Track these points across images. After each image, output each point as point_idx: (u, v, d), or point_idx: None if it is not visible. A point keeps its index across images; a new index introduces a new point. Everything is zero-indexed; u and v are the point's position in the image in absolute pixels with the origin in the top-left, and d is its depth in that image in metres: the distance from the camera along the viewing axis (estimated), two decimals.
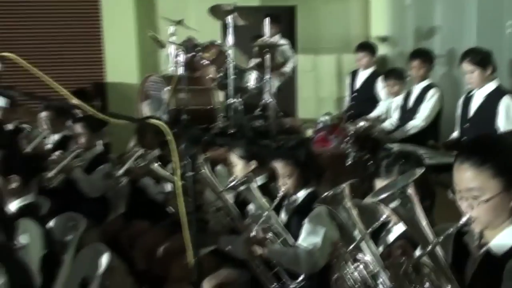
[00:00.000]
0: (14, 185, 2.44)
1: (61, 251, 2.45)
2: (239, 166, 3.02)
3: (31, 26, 7.71)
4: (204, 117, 5.54)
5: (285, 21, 7.87)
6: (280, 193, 2.61)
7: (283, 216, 2.72)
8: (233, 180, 2.81)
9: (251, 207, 2.96)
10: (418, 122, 4.72)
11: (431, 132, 4.58)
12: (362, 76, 6.13)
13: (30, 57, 7.00)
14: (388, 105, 5.68)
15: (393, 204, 1.74)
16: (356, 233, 2.12)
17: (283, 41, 6.82)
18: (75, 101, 1.72)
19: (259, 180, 2.98)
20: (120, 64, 7.85)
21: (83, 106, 1.72)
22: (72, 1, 7.79)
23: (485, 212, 1.64)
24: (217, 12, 5.66)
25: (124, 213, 4.05)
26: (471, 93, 4.21)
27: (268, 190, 2.89)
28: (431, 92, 4.74)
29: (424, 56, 4.96)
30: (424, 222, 1.71)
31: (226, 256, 3.00)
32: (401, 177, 1.87)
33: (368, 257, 2.06)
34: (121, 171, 3.82)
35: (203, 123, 5.44)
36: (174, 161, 1.88)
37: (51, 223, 2.62)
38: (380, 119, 5.43)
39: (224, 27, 7.65)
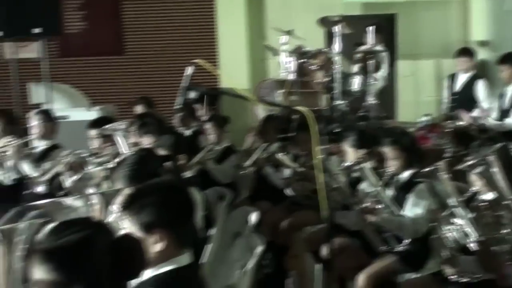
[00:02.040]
0: (182, 161, 3.23)
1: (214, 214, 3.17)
2: (350, 154, 3.62)
3: (156, 38, 8.72)
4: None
5: (386, 29, 8.34)
6: (389, 173, 3.20)
7: (391, 192, 3.30)
8: (348, 164, 3.43)
9: (361, 187, 3.56)
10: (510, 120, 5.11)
11: None
12: (462, 79, 6.49)
13: (154, 64, 8.08)
14: (487, 107, 6.07)
15: (477, 170, 2.30)
16: (451, 201, 2.67)
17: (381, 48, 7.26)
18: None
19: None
20: (233, 70, 8.67)
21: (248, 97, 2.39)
22: (189, 12, 8.74)
23: None
24: (325, 22, 6.27)
25: (249, 196, 4.76)
26: None
27: (376, 172, 3.48)
28: None
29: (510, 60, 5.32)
30: (503, 183, 2.25)
31: (339, 228, 3.62)
32: (484, 149, 2.42)
33: (460, 221, 2.61)
34: (249, 162, 4.51)
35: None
36: (313, 147, 2.47)
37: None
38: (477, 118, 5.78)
39: (329, 35, 8.29)
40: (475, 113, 6.15)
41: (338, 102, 6.13)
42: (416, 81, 8.87)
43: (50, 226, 1.69)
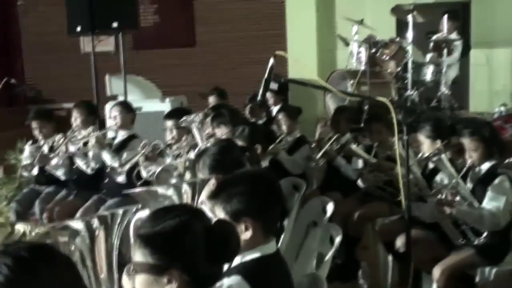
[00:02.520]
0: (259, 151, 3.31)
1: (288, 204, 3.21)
2: (426, 144, 3.58)
3: (227, 30, 8.85)
4: (383, 108, 6.11)
5: (460, 16, 8.11)
6: (468, 165, 3.15)
7: (469, 184, 3.24)
8: (422, 155, 3.39)
9: (437, 178, 3.52)
10: None
11: None
12: None
13: (226, 56, 8.16)
14: None
15: None
16: None
17: (455, 37, 7.10)
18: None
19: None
20: (302, 61, 8.69)
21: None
22: (259, 3, 8.81)
23: None
24: (398, 11, 6.18)
25: (319, 187, 4.79)
26: None
27: (454, 164, 3.43)
28: None
29: None
30: None
31: (414, 220, 3.59)
32: None
33: None
34: (320, 154, 4.53)
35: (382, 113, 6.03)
36: (395, 138, 2.47)
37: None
38: None
39: (399, 24, 8.15)
40: None
41: (409, 92, 6.04)
42: (491, 70, 8.60)
43: (148, 212, 1.80)
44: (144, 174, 4.27)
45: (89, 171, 4.80)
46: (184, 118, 4.32)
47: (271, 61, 2.70)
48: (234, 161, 2.41)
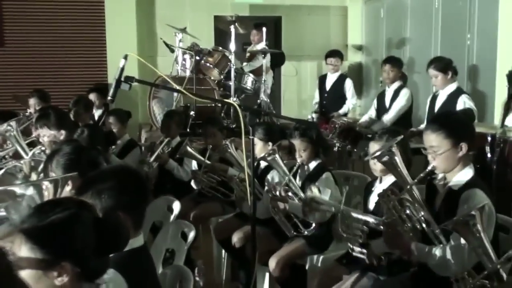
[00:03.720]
0: None
1: None
2: (258, 146, 3.86)
3: (40, 30, 8.41)
4: (208, 114, 6.36)
5: (272, 30, 8.75)
6: (298, 163, 3.47)
7: (298, 181, 3.58)
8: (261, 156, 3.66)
9: (268, 177, 3.82)
10: (389, 116, 5.67)
11: (404, 124, 5.46)
12: (331, 79, 7.00)
13: (43, 60, 7.80)
14: (353, 103, 6.71)
15: (384, 159, 2.63)
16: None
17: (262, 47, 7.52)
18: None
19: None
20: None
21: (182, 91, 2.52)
22: (79, 8, 8.53)
23: (441, 162, 2.55)
24: (221, 21, 6.48)
25: (153, 190, 4.84)
26: (437, 93, 5.17)
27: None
28: (402, 91, 5.70)
29: (394, 61, 5.90)
30: (404, 171, 2.61)
31: (248, 216, 3.85)
32: (388, 141, 2.77)
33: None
34: (153, 157, 4.58)
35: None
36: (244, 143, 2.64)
37: None
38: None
39: (217, 33, 8.53)
40: (343, 109, 6.73)
41: (233, 99, 6.37)
42: (299, 80, 9.40)
43: (4, 213, 1.74)
44: None
45: None
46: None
47: (122, 61, 2.72)
48: (89, 161, 2.39)
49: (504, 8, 5.44)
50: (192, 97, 3.71)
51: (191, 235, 2.66)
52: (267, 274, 3.66)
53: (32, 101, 5.35)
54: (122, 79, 2.69)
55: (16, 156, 3.89)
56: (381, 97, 5.98)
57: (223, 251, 4.18)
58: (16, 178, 2.56)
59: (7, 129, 3.80)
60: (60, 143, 2.82)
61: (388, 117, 5.72)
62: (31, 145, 3.91)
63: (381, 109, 5.91)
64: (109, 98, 2.63)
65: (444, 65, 5.00)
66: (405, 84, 5.96)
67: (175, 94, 6.28)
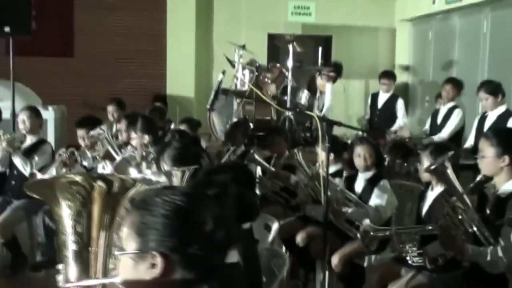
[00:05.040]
0: None
1: None
2: (321, 156, 4.26)
3: (107, 42, 9.04)
4: (264, 126, 6.81)
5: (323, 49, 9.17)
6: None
7: (357, 186, 4.00)
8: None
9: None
10: (444, 134, 6.01)
11: (455, 142, 5.78)
12: (383, 97, 7.35)
13: (108, 70, 8.36)
14: (404, 121, 7.06)
15: (438, 171, 3.03)
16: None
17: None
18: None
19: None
20: (180, 79, 9.17)
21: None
22: (143, 23, 9.13)
23: (483, 166, 2.96)
24: (280, 40, 6.94)
25: None
26: (486, 114, 5.51)
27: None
28: (456, 111, 6.04)
29: (455, 82, 6.24)
30: (456, 182, 3.00)
31: (311, 218, 4.26)
32: (441, 157, 3.16)
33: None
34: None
35: (263, 131, 6.75)
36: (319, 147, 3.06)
37: None
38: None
39: (271, 50, 9.01)
40: (394, 127, 7.06)
41: (287, 113, 6.80)
42: (347, 97, 9.78)
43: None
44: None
45: None
46: (91, 133, 4.57)
47: (220, 76, 3.17)
48: (194, 155, 2.83)
49: None
50: (277, 107, 4.12)
51: (275, 226, 3.08)
52: (326, 272, 4.04)
53: (110, 108, 5.88)
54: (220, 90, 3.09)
55: (106, 156, 4.39)
56: (434, 115, 6.32)
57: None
58: (130, 165, 2.97)
59: (100, 132, 4.30)
60: (172, 137, 3.20)
61: (443, 135, 6.04)
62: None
63: (433, 127, 6.25)
64: (208, 107, 3.08)
65: (494, 88, 5.35)
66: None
67: (235, 106, 6.75)
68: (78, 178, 1.50)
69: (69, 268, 1.46)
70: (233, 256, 1.80)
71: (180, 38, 9.10)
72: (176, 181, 2.42)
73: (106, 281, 1.40)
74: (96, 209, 1.49)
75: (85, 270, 1.45)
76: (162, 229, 1.34)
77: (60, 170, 4.38)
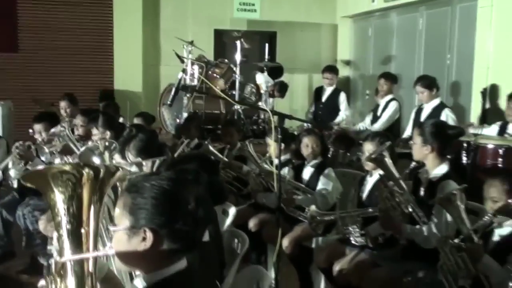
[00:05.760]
0: None
1: None
2: (272, 147, 4.54)
3: (51, 38, 9.01)
4: (214, 119, 7.05)
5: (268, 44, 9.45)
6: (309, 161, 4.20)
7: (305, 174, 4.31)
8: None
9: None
10: (379, 124, 6.42)
11: (393, 132, 6.17)
12: (327, 91, 7.71)
13: (54, 65, 8.41)
14: (347, 114, 7.43)
15: (377, 160, 3.37)
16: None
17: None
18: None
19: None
20: (127, 74, 9.26)
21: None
22: (88, 18, 9.14)
23: (413, 151, 3.40)
24: (228, 36, 7.16)
25: None
26: (422, 106, 5.94)
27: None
28: (391, 103, 6.46)
29: (387, 76, 6.66)
30: (393, 169, 3.35)
31: (262, 206, 4.54)
32: (380, 146, 3.51)
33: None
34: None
35: (212, 124, 6.98)
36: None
37: None
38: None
39: (219, 46, 9.24)
40: (337, 119, 7.43)
41: (236, 107, 7.04)
42: (291, 92, 10.10)
43: None
44: (12, 174, 4.61)
45: None
46: (52, 130, 4.69)
47: (181, 74, 3.39)
48: (158, 146, 3.05)
49: (481, 32, 6.25)
50: (231, 101, 4.35)
51: (232, 211, 3.33)
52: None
53: (62, 104, 5.96)
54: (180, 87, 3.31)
55: (63, 151, 4.52)
56: (375, 108, 6.74)
57: None
58: (94, 154, 3.12)
59: (61, 129, 4.45)
60: (136, 130, 3.38)
61: (377, 126, 6.46)
62: None
63: (374, 119, 6.66)
64: (168, 102, 3.29)
65: (429, 82, 5.79)
66: None
67: (185, 101, 6.92)
68: (67, 168, 1.70)
69: (64, 245, 1.65)
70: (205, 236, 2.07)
71: (127, 33, 9.17)
72: (146, 170, 2.64)
73: (101, 253, 1.64)
74: (85, 193, 1.68)
75: (79, 245, 1.65)
76: (152, 209, 1.61)
77: (17, 162, 4.50)
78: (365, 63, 9.52)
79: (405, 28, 8.24)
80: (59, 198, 1.68)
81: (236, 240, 2.94)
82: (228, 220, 3.25)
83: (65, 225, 1.67)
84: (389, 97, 6.57)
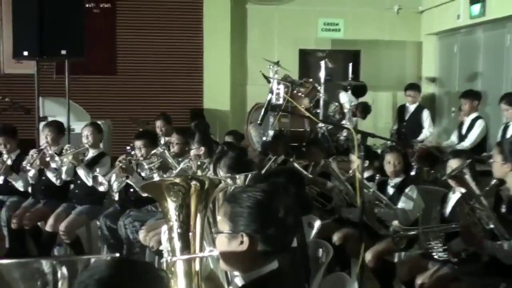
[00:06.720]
0: None
1: None
2: (356, 163, 4.72)
3: (147, 61, 9.64)
4: (299, 137, 7.30)
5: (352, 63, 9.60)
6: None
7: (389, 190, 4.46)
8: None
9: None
10: (466, 143, 6.42)
11: (478, 152, 6.16)
12: (409, 109, 7.76)
13: (149, 86, 9.02)
14: (430, 131, 7.42)
15: (458, 177, 3.49)
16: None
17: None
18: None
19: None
20: (216, 93, 9.72)
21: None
22: (180, 41, 9.71)
23: (494, 170, 3.50)
24: (313, 56, 7.41)
25: None
26: (508, 124, 5.92)
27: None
28: (478, 122, 6.45)
29: (472, 95, 6.65)
30: (474, 186, 3.45)
31: (347, 220, 4.72)
32: (461, 163, 3.62)
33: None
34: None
35: (297, 142, 7.23)
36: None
37: None
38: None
39: (303, 65, 9.51)
40: (421, 137, 7.45)
41: (321, 125, 7.26)
42: (375, 109, 10.18)
43: None
44: (114, 187, 5.08)
45: (58, 182, 5.43)
46: (154, 151, 5.09)
47: (270, 95, 3.66)
48: (246, 163, 3.33)
49: None
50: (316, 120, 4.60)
51: (317, 224, 3.55)
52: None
53: (158, 123, 6.44)
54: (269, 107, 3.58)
55: (160, 168, 4.93)
56: (460, 126, 6.74)
57: None
58: (188, 174, 3.44)
59: (161, 150, 4.88)
60: (227, 148, 3.70)
61: (465, 144, 6.45)
62: None
63: (459, 137, 6.67)
64: (258, 122, 3.57)
65: None
66: None
67: (271, 119, 7.23)
68: (178, 180, 2.01)
69: (176, 246, 1.96)
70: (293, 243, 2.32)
71: (216, 54, 9.65)
72: (239, 184, 2.91)
73: (206, 254, 1.94)
74: (193, 202, 1.99)
75: (187, 247, 1.95)
76: (248, 217, 1.89)
77: (119, 175, 4.95)
78: (450, 80, 9.45)
79: (491, 44, 8.15)
80: (171, 206, 1.99)
81: (320, 250, 3.15)
82: (313, 232, 3.47)
83: (176, 229, 1.97)
84: (474, 115, 6.55)
